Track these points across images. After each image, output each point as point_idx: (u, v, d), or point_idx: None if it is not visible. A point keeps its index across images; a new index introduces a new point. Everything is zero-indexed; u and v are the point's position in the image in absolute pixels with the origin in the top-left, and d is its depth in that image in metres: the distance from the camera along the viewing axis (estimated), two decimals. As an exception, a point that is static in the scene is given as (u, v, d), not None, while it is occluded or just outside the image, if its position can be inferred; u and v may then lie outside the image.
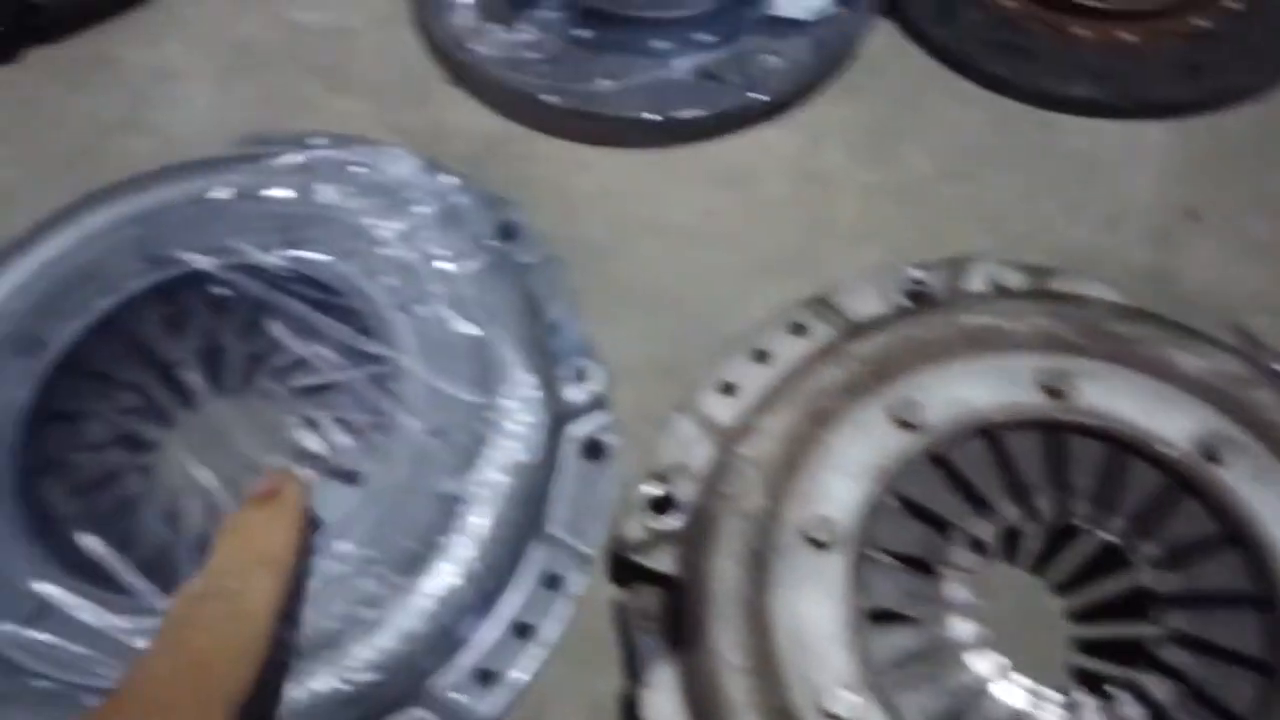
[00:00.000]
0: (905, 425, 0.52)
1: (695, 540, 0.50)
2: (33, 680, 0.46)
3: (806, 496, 0.50)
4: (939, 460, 0.52)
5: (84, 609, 0.48)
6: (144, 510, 0.55)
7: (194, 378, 0.59)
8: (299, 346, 0.57)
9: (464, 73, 0.73)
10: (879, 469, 0.51)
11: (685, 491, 0.54)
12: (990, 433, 0.52)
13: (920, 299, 0.59)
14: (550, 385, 0.56)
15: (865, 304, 0.59)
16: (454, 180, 0.62)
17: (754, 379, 0.57)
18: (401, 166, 0.62)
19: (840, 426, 0.52)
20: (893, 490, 0.51)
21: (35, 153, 0.72)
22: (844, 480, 0.51)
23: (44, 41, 0.76)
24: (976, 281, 0.59)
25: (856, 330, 0.57)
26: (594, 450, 0.57)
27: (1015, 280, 0.59)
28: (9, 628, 0.47)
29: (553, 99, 0.69)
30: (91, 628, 0.48)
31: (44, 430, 0.54)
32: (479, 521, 0.51)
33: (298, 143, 0.65)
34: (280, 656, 0.45)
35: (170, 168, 0.62)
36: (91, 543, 0.50)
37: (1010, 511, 0.52)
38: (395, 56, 0.76)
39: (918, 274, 0.60)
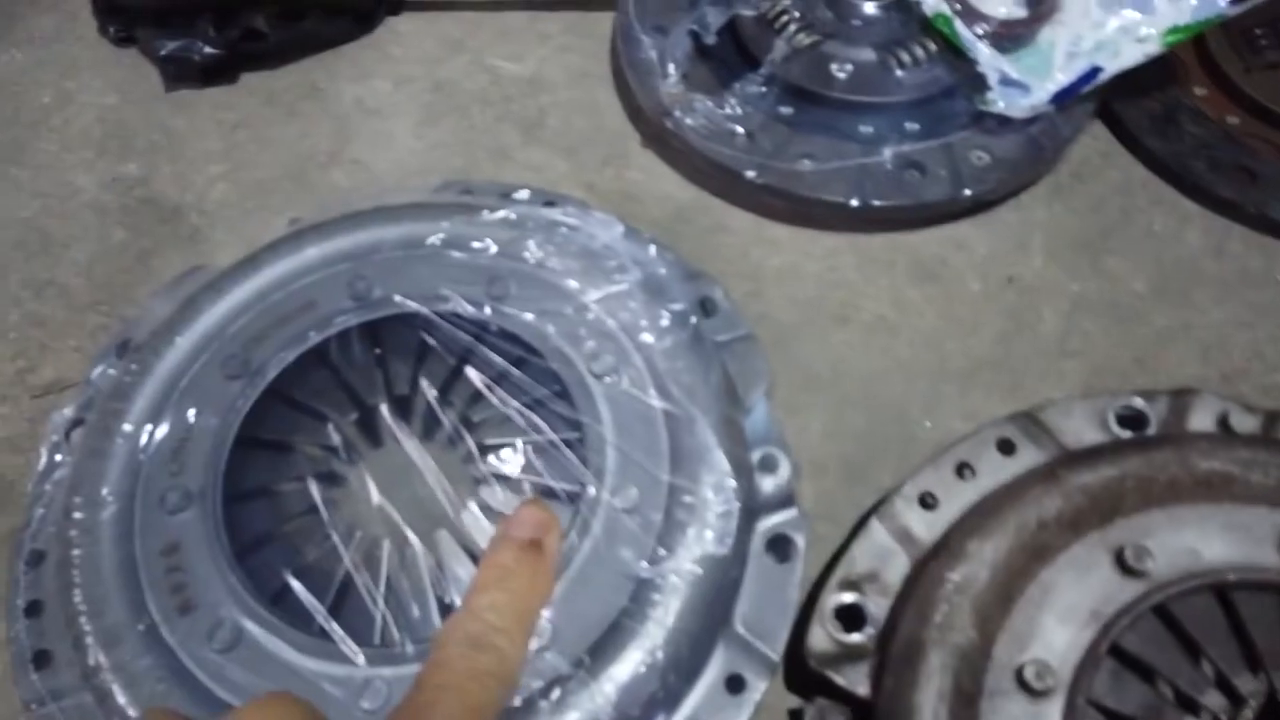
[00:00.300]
0: (1129, 571, 0.49)
1: (895, 666, 0.48)
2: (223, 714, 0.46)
3: (1021, 637, 0.47)
4: (1164, 614, 0.49)
5: (277, 645, 0.48)
6: (334, 547, 0.55)
7: (388, 418, 0.59)
8: (498, 402, 0.57)
9: (663, 138, 0.73)
10: (1099, 615, 0.48)
11: (878, 605, 0.52)
12: (1222, 590, 0.49)
13: (1139, 430, 0.56)
14: (744, 473, 0.54)
15: (1079, 429, 0.56)
16: (656, 250, 0.62)
17: (956, 495, 0.55)
18: (608, 232, 0.62)
19: (1060, 564, 0.49)
20: (1112, 640, 0.48)
21: (244, 172, 0.74)
22: (1062, 624, 0.48)
23: (261, 67, 0.79)
24: (1202, 419, 0.56)
25: (1073, 458, 0.54)
26: (781, 547, 0.55)
27: (1247, 423, 0.55)
28: (207, 654, 0.48)
29: (751, 174, 0.69)
30: (282, 664, 0.48)
31: (248, 457, 0.55)
32: (667, 611, 0.49)
33: (502, 194, 0.66)
34: None
35: (383, 209, 0.62)
36: (288, 578, 0.51)
37: (1242, 681, 0.48)
38: (592, 114, 0.77)
39: (1138, 403, 0.56)
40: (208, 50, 0.77)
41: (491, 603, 0.41)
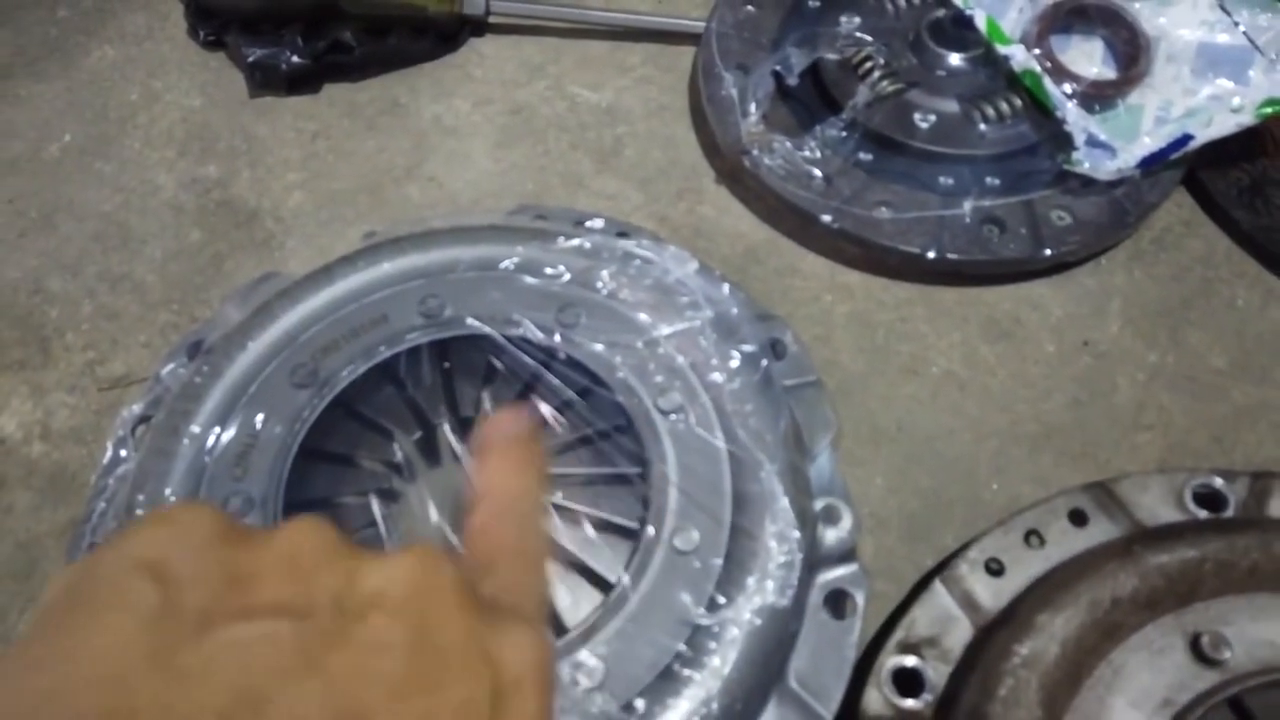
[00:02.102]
0: (1205, 660, 0.47)
1: (956, 737, 0.47)
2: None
3: (1088, 718, 0.46)
4: (1239, 707, 0.47)
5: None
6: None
7: (451, 439, 0.59)
8: (562, 430, 0.57)
9: (739, 176, 0.73)
10: (1171, 703, 0.46)
11: (937, 672, 0.50)
12: (1303, 688, 0.47)
13: (1217, 511, 0.54)
14: (809, 524, 0.53)
15: (1154, 505, 0.55)
16: (729, 289, 0.61)
17: (1024, 563, 0.53)
18: (682, 267, 0.61)
19: (1132, 645, 0.48)
20: (1185, 730, 0.46)
21: (321, 182, 0.75)
22: (1132, 709, 0.46)
23: (344, 80, 0.80)
24: (1285, 504, 0.54)
25: (1149, 535, 0.52)
26: (839, 604, 0.53)
27: (1334, 513, 0.53)
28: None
29: (827, 218, 0.68)
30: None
31: (310, 467, 0.55)
32: (724, 661, 0.48)
33: (576, 222, 0.66)
34: None
35: (459, 229, 0.63)
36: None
37: (1322, 786, 0.46)
38: (668, 147, 0.77)
39: (1217, 483, 0.55)
40: (294, 59, 0.78)
41: (509, 487, 0.37)
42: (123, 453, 0.58)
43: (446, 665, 0.28)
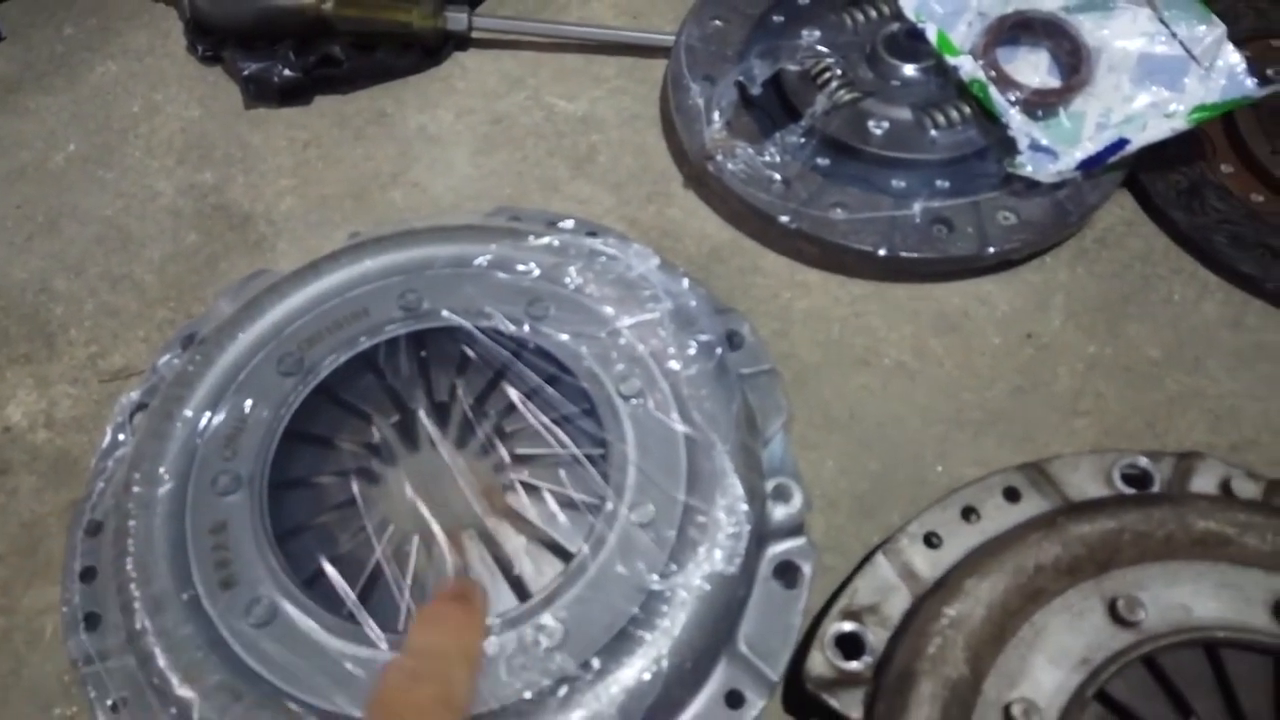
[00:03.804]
0: (1121, 621, 0.51)
1: (887, 694, 0.50)
2: (253, 684, 0.50)
3: (1011, 676, 0.49)
4: (1152, 665, 0.50)
5: (308, 625, 0.52)
6: (367, 539, 0.58)
7: (427, 423, 0.63)
8: (530, 415, 0.61)
9: (704, 180, 0.77)
10: (1088, 661, 0.50)
11: (877, 636, 0.54)
12: (1212, 648, 0.50)
13: (1143, 489, 0.58)
14: (758, 500, 0.57)
15: (1084, 483, 0.58)
16: (688, 283, 0.65)
17: (960, 536, 0.57)
18: (644, 263, 0.65)
19: (1054, 608, 0.51)
20: (1099, 686, 0.49)
21: (311, 188, 0.80)
22: (1052, 666, 0.50)
23: (334, 92, 0.85)
24: (1205, 482, 0.58)
25: (1074, 509, 0.56)
26: (787, 574, 0.57)
27: (1249, 489, 0.57)
28: (243, 628, 0.51)
29: (786, 219, 0.72)
30: (312, 642, 0.51)
31: (294, 449, 0.59)
32: (675, 623, 0.52)
33: (549, 222, 0.70)
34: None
35: (437, 229, 0.67)
36: (323, 563, 0.54)
37: (1225, 736, 0.49)
38: (639, 154, 0.81)
39: (1143, 462, 0.58)
40: (287, 73, 0.82)
41: (427, 641, 0.45)
42: (120, 437, 0.62)
43: None
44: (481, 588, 0.50)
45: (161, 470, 0.57)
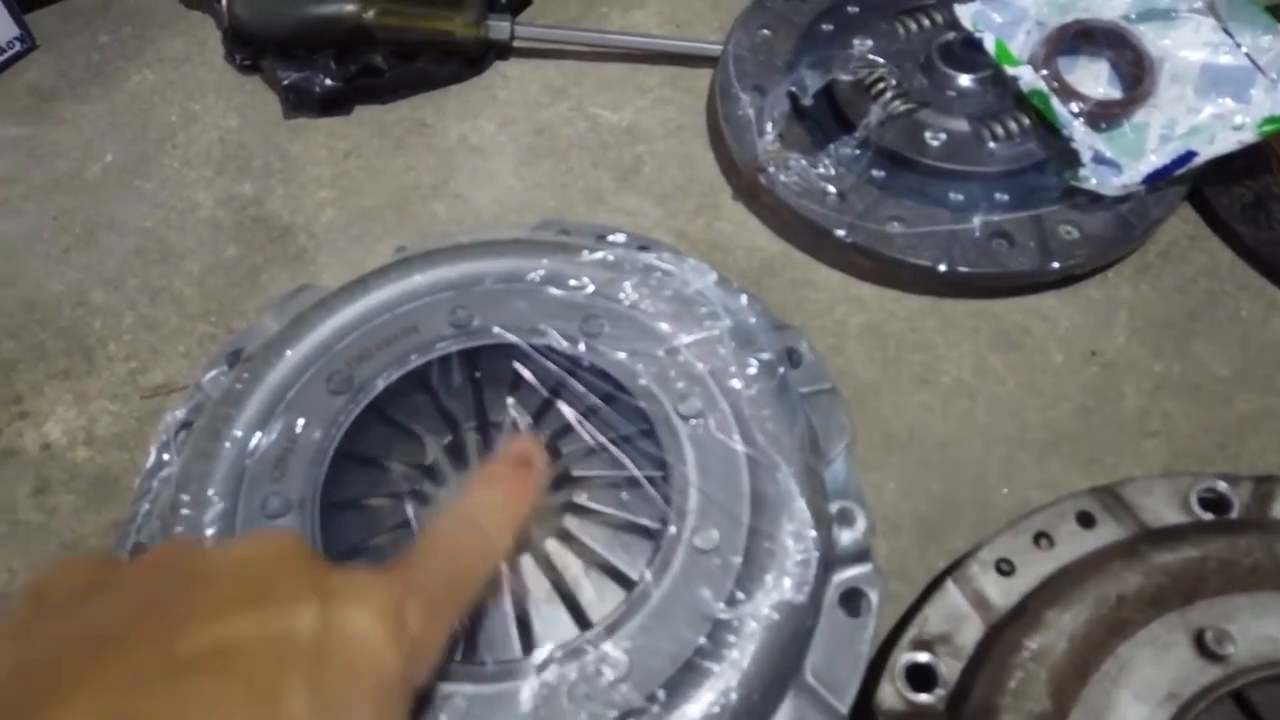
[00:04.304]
0: (1209, 654, 0.49)
1: (968, 728, 0.48)
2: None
3: (1096, 711, 0.47)
4: (1242, 700, 0.48)
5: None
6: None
7: (480, 443, 0.62)
8: (586, 435, 0.59)
9: (755, 192, 0.75)
10: (1175, 697, 0.48)
11: (949, 667, 0.52)
12: (1306, 682, 0.48)
13: (1221, 514, 0.56)
14: (824, 525, 0.55)
15: (1160, 508, 0.56)
16: (746, 300, 0.64)
17: (1033, 563, 0.55)
18: (701, 279, 0.64)
19: (1138, 641, 0.49)
20: (1189, 723, 0.47)
21: (351, 199, 0.78)
22: (1137, 701, 0.48)
23: (374, 101, 0.83)
24: (1289, 507, 0.56)
25: (1155, 536, 0.54)
26: (854, 602, 0.55)
27: (1335, 516, 0.55)
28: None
29: (841, 232, 0.70)
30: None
31: (345, 470, 0.57)
32: (743, 654, 0.50)
33: (598, 236, 0.68)
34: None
35: (487, 243, 0.65)
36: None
37: (1324, 778, 0.47)
38: (685, 165, 0.80)
39: (1221, 486, 0.56)
40: (328, 82, 0.81)
41: (480, 499, 0.47)
42: (165, 456, 0.61)
43: (271, 595, 0.35)
44: (543, 450, 0.50)
45: (210, 492, 0.56)
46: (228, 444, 0.58)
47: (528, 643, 0.54)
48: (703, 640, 0.50)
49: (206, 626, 0.34)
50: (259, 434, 0.58)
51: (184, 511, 0.56)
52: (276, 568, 0.38)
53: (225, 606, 0.35)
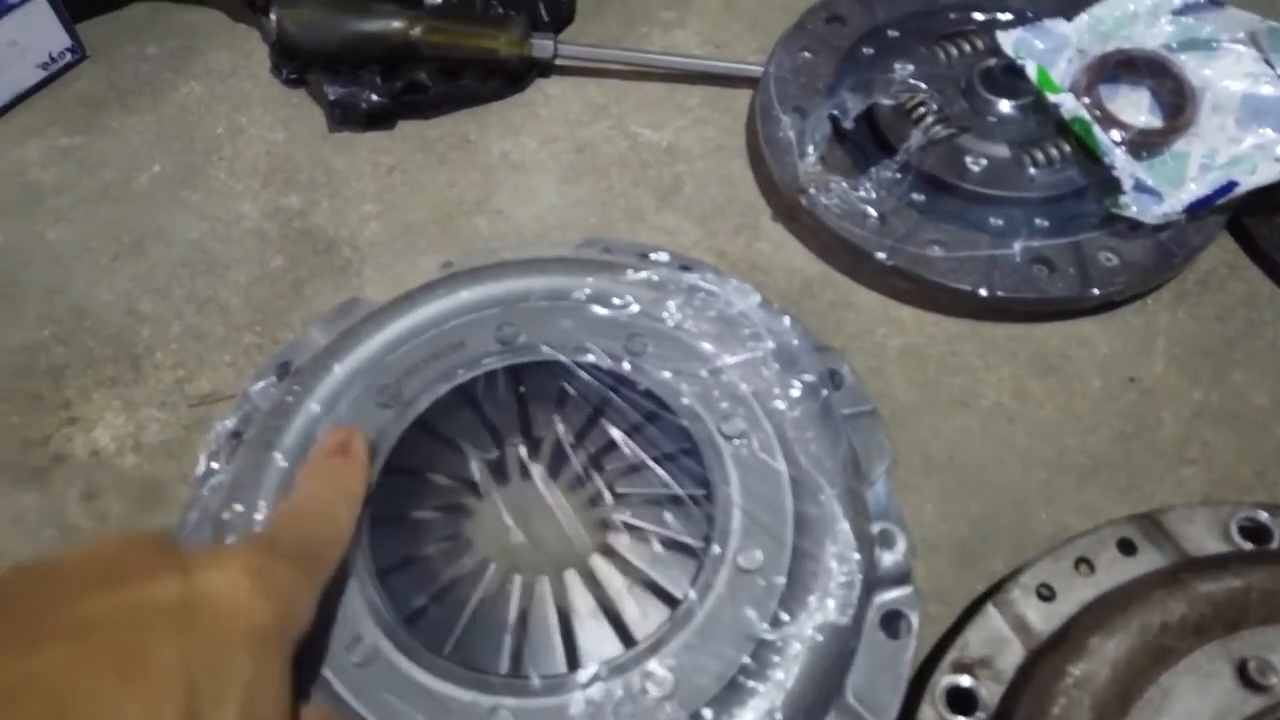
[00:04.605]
0: (1252, 685, 0.49)
1: (1012, 754, 0.48)
2: (357, 726, 0.49)
3: (1142, 739, 0.48)
4: (1288, 732, 0.48)
5: (409, 666, 0.51)
6: (467, 577, 0.57)
7: (525, 459, 0.63)
8: (630, 453, 0.60)
9: (795, 213, 0.76)
10: (1221, 727, 0.48)
11: (990, 691, 0.52)
12: (1351, 716, 0.48)
13: (1262, 543, 0.56)
14: (866, 547, 0.55)
15: (1201, 536, 0.57)
16: (790, 321, 0.64)
17: (1074, 589, 0.55)
18: (744, 300, 0.64)
19: (1181, 670, 0.49)
20: (1234, 754, 0.48)
21: (395, 214, 0.79)
22: (1183, 730, 0.48)
23: (418, 117, 0.85)
24: (1331, 539, 0.56)
25: (1197, 565, 0.54)
26: (894, 624, 0.55)
27: (1378, 549, 0.55)
28: (346, 665, 0.51)
29: (882, 255, 0.71)
30: (413, 683, 0.50)
31: (392, 482, 0.58)
32: (788, 674, 0.50)
33: (641, 254, 0.69)
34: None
35: (534, 261, 0.66)
36: (425, 602, 0.53)
37: (1370, 812, 0.47)
38: (725, 185, 0.80)
39: (1262, 516, 0.57)
40: (373, 98, 0.82)
41: (310, 489, 0.51)
42: (214, 465, 0.62)
43: (127, 576, 0.38)
44: (363, 433, 0.55)
45: (261, 501, 0.57)
46: (278, 454, 0.58)
47: (573, 658, 0.55)
48: (747, 660, 0.51)
49: (64, 609, 0.36)
50: (310, 446, 0.58)
51: (234, 521, 0.56)
52: (131, 553, 0.40)
53: (81, 591, 0.38)
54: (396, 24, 0.83)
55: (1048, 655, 0.52)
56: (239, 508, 0.57)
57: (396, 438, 0.59)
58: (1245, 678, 0.49)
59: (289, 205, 0.80)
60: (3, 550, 0.64)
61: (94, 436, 0.68)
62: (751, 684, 0.50)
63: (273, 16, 0.85)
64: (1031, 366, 0.69)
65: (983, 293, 0.69)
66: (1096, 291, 0.69)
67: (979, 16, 0.83)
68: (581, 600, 0.57)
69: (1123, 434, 0.66)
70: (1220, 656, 0.50)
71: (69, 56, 0.90)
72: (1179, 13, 0.77)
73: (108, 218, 0.80)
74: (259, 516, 0.56)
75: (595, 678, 0.50)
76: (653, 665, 0.51)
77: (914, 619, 0.56)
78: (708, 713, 0.49)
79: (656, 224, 0.78)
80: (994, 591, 0.57)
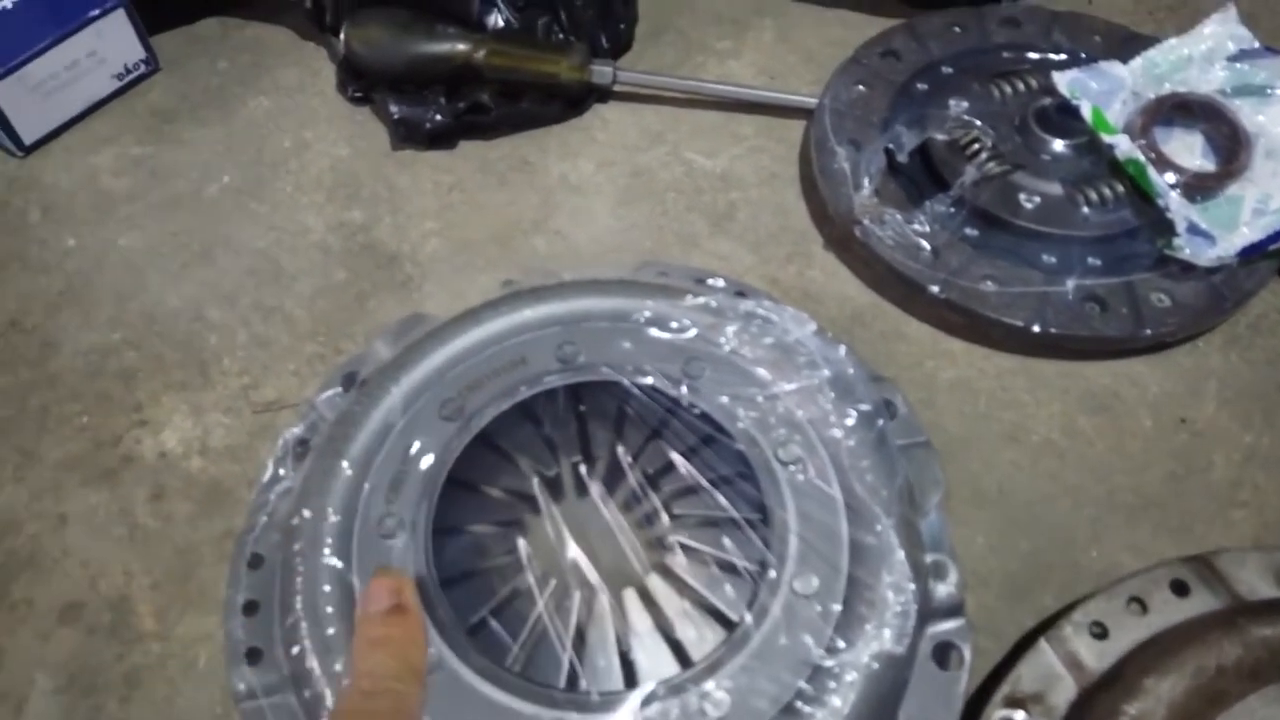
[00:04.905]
0: (1310, 731, 0.49)
1: (1066, 789, 0.49)
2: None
3: (1197, 780, 0.48)
4: (1342, 780, 0.49)
5: (471, 677, 0.52)
6: (527, 591, 0.59)
7: (585, 477, 0.64)
8: (686, 474, 0.61)
9: (848, 244, 0.77)
10: (1277, 771, 0.48)
11: (1043, 727, 0.53)
12: None
13: (1317, 590, 0.57)
14: (921, 578, 0.56)
15: (1253, 580, 0.57)
16: (845, 351, 0.65)
17: (1127, 629, 0.56)
18: (800, 328, 0.65)
19: (1236, 713, 0.50)
20: (1289, 799, 0.48)
21: (455, 231, 0.81)
22: (1239, 773, 0.48)
23: (479, 137, 0.87)
24: (1387, 589, 0.56)
25: (1252, 609, 0.55)
26: (946, 655, 0.56)
27: None
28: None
29: (935, 289, 0.72)
30: (476, 694, 0.51)
31: (454, 495, 0.60)
32: (843, 702, 0.51)
33: (697, 279, 0.70)
34: None
35: (595, 282, 0.68)
36: (487, 615, 0.55)
37: None
38: (778, 213, 0.82)
39: (1317, 562, 0.57)
40: (437, 117, 0.85)
41: (372, 665, 0.48)
42: (281, 471, 0.64)
43: None
44: (410, 579, 0.52)
45: (329, 509, 0.58)
46: (345, 463, 0.60)
47: (630, 676, 0.56)
48: (803, 685, 0.52)
49: None
50: (376, 455, 0.60)
51: (303, 527, 0.58)
52: None
53: None
54: (461, 46, 0.85)
55: (1101, 694, 0.52)
56: (307, 514, 0.59)
57: (459, 451, 0.61)
58: (1300, 723, 0.50)
59: (352, 219, 0.82)
60: (71, 546, 0.66)
61: (162, 439, 0.70)
62: (808, 709, 0.51)
63: (341, 36, 0.88)
64: (1082, 404, 0.70)
65: (1035, 329, 0.70)
66: (1149, 332, 0.70)
67: (1033, 55, 0.84)
68: (639, 619, 0.58)
69: (1173, 474, 0.67)
70: (1275, 702, 0.51)
71: (143, 68, 0.93)
72: (1234, 59, 0.78)
73: (177, 226, 0.83)
74: (327, 530, 0.58)
75: (653, 696, 0.51)
76: (709, 686, 0.51)
77: (966, 651, 0.56)
78: (763, 738, 0.50)
79: (710, 249, 0.80)
80: (1046, 627, 0.58)
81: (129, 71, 0.93)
